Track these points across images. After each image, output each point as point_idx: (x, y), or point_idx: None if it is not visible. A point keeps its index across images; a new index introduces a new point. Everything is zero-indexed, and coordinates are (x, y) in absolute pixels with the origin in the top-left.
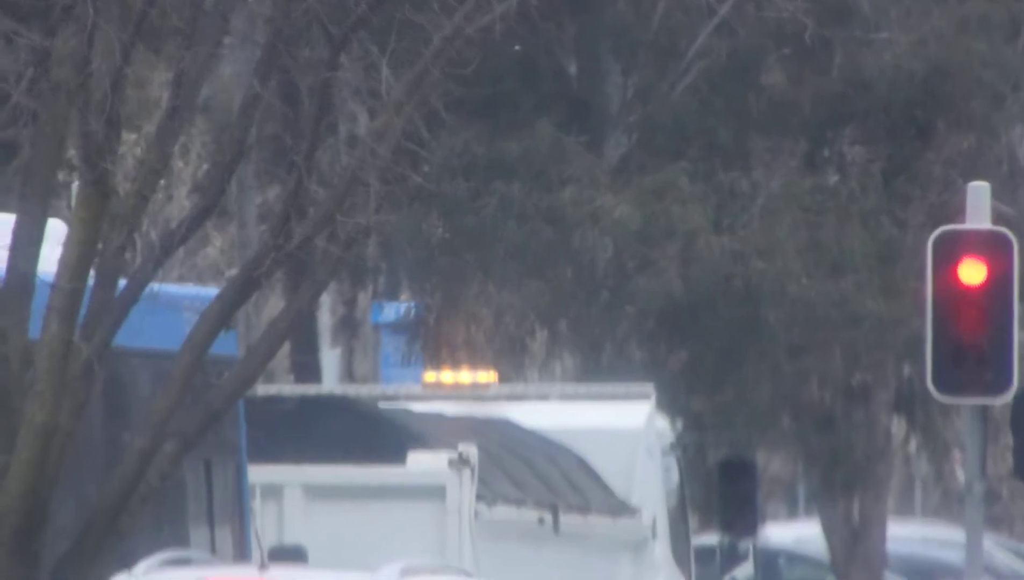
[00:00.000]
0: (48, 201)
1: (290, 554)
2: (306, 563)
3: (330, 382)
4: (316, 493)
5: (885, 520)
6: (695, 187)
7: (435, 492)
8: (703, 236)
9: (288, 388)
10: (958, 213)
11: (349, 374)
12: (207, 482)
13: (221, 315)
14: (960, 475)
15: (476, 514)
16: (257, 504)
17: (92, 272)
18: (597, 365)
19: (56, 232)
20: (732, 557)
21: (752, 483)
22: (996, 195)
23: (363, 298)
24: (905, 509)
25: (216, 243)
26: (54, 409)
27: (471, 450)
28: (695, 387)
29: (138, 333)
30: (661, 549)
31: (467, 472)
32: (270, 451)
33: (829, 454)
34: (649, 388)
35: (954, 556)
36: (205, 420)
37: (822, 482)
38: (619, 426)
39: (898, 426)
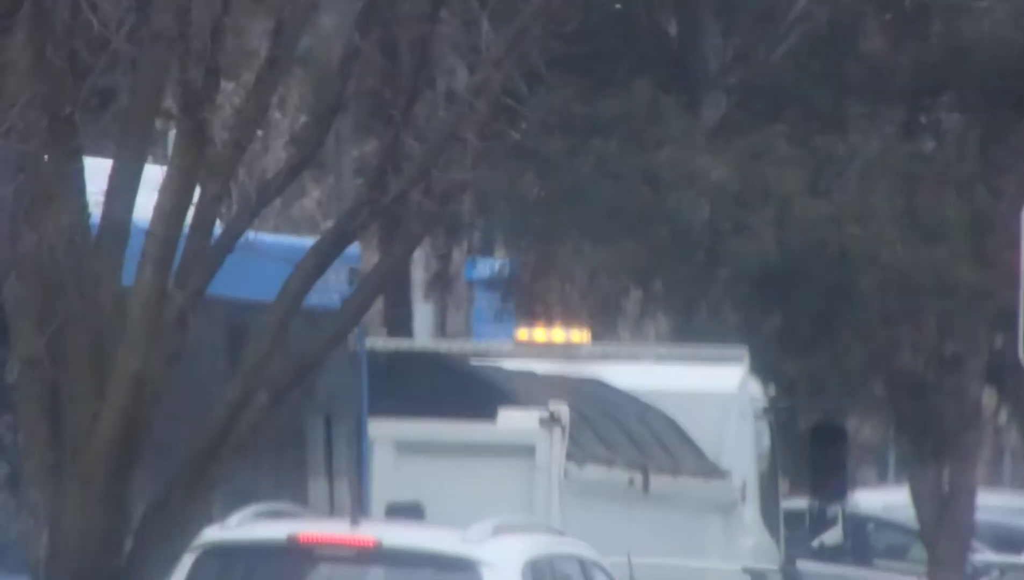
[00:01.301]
0: (145, 148)
1: (407, 511)
2: (423, 519)
3: (422, 337)
4: (407, 448)
5: (974, 489)
6: (792, 151)
7: (525, 450)
8: (799, 200)
9: (381, 342)
10: None
11: (442, 329)
12: (327, 438)
13: (316, 266)
14: None
15: (566, 473)
16: None
17: (188, 221)
18: (690, 327)
19: (152, 179)
20: (821, 522)
21: (843, 448)
22: None
23: (457, 254)
24: (994, 479)
25: (312, 195)
26: (146, 356)
27: (562, 409)
28: (788, 351)
29: (233, 282)
30: (751, 512)
31: (557, 431)
32: None
33: (920, 422)
34: (742, 351)
35: None
36: (298, 372)
37: (912, 449)
38: (712, 389)
39: (988, 396)
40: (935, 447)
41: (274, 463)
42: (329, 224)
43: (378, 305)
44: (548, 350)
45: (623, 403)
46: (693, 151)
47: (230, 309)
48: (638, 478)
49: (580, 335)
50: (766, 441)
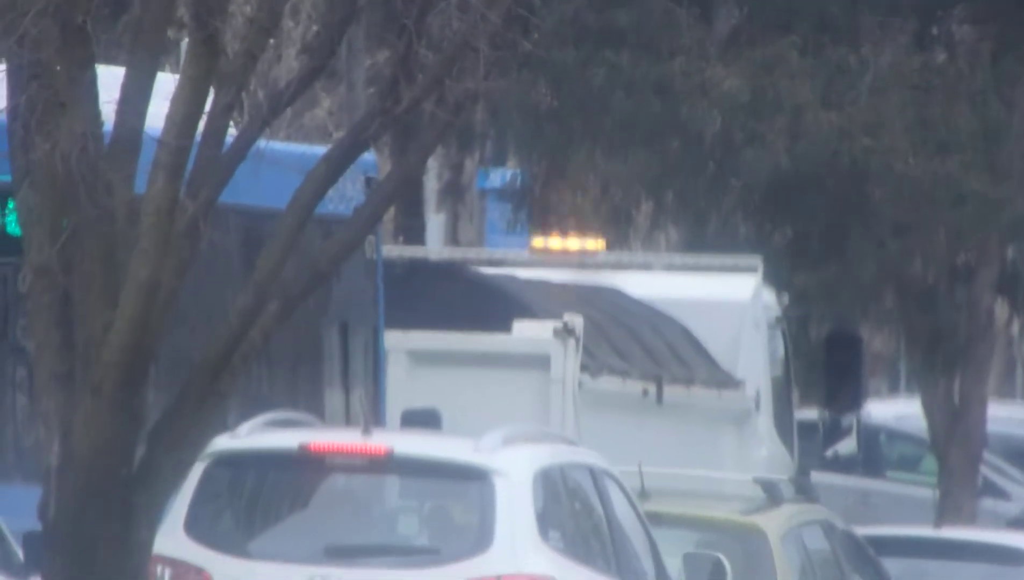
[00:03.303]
0: (158, 58)
1: (424, 418)
2: (439, 428)
3: (434, 246)
4: (421, 358)
5: (985, 400)
6: (804, 62)
7: (539, 361)
8: (811, 111)
9: (397, 251)
10: None
11: (454, 239)
12: (343, 345)
13: (327, 176)
14: None
15: (580, 384)
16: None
17: (200, 130)
18: (702, 238)
19: (165, 88)
20: (835, 432)
21: (857, 358)
22: None
23: (469, 164)
24: (1006, 390)
25: (324, 105)
26: (158, 265)
27: (576, 320)
28: (799, 262)
29: (245, 191)
30: (764, 422)
31: (572, 342)
32: None
33: (931, 333)
34: (756, 261)
35: None
36: (310, 281)
37: (923, 361)
38: (726, 298)
39: (1001, 307)
40: (946, 358)
41: (290, 372)
42: (341, 134)
43: (390, 215)
44: (563, 259)
45: (637, 312)
46: (705, 62)
47: (245, 217)
48: (652, 389)
49: (595, 244)
50: (780, 351)
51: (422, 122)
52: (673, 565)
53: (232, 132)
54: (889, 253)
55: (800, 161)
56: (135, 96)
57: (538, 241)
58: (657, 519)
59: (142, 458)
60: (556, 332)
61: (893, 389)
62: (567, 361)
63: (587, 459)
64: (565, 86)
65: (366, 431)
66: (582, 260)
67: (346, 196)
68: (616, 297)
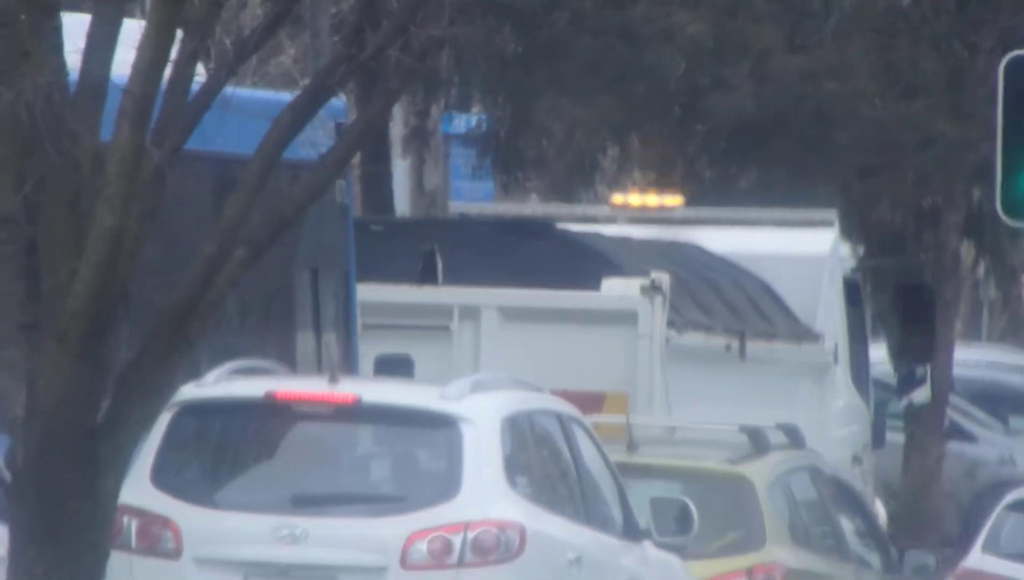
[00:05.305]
0: (123, 5)
1: (396, 365)
2: (411, 374)
3: (400, 193)
4: (512, 315)
5: (952, 344)
6: (769, 6)
7: (627, 317)
8: (776, 55)
9: (489, 209)
10: None
11: (419, 184)
12: (313, 291)
13: (293, 122)
14: None
15: (667, 339)
16: (455, 324)
17: (165, 77)
18: (668, 182)
19: (130, 36)
20: (909, 381)
21: (929, 308)
22: None
23: (435, 109)
24: (972, 334)
25: (289, 52)
26: (124, 213)
27: (663, 277)
28: (765, 206)
29: (211, 138)
30: (842, 374)
31: (659, 298)
32: (468, 273)
33: (898, 276)
34: (832, 214)
35: (1020, 380)
36: (276, 227)
37: (890, 305)
38: (804, 252)
39: (967, 250)
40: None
41: (260, 319)
42: (306, 81)
43: (357, 160)
44: (642, 215)
45: (719, 268)
46: (669, 6)
47: (212, 165)
48: (735, 344)
49: (673, 200)
50: (856, 303)
51: (387, 69)
52: None
53: (198, 79)
54: (855, 196)
55: (765, 105)
56: (100, 44)
57: (618, 197)
58: (646, 471)
59: (108, 408)
60: (643, 289)
61: None
62: (654, 317)
63: (555, 406)
64: (529, 32)
65: (333, 379)
66: (662, 216)
67: (317, 142)
68: (697, 253)
